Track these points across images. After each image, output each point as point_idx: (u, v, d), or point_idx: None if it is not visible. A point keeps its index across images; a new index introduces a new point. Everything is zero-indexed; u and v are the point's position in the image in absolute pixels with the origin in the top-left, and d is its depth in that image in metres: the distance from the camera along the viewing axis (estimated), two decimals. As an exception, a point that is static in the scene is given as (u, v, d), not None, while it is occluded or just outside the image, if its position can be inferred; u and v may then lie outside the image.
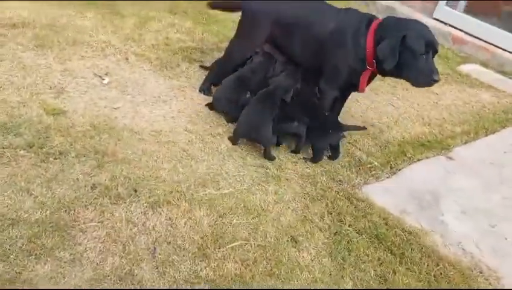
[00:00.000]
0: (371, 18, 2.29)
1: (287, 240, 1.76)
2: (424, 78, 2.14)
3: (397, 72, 2.19)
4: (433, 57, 2.17)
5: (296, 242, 1.76)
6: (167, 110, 2.46)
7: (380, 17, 2.35)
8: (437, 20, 5.38)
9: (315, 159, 2.33)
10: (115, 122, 2.21)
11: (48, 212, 1.60)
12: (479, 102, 3.86)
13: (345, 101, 2.64)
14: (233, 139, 2.30)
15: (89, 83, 2.50)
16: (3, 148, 1.84)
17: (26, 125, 2.01)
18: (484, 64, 4.82)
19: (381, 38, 2.14)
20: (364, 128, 2.61)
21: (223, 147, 2.26)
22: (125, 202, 1.74)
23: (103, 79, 2.56)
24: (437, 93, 3.76)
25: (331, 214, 1.96)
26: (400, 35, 2.08)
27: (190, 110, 2.51)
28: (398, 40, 2.07)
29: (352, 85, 2.41)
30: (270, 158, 2.25)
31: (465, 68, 4.55)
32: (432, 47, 2.13)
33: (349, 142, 2.66)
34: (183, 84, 2.78)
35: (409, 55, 2.09)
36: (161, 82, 2.74)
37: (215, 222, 1.77)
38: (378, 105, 3.08)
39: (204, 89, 2.72)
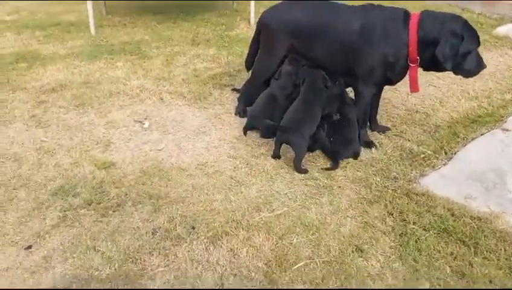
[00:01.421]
0: (406, 12, 2.26)
1: (352, 251, 1.72)
2: (474, 69, 2.23)
3: (450, 68, 2.20)
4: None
5: (361, 251, 1.72)
6: (208, 140, 2.50)
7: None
8: (462, -14, 5.15)
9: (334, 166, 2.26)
10: (162, 164, 2.27)
11: (117, 265, 1.66)
12: (525, 62, 3.65)
13: (380, 96, 2.58)
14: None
15: (131, 130, 2.59)
16: (65, 210, 1.93)
17: (82, 184, 2.11)
18: (523, 21, 4.56)
19: (428, 36, 2.17)
20: (388, 128, 2.61)
21: (268, 167, 2.26)
22: (186, 241, 1.77)
23: (143, 124, 2.65)
24: (478, 63, 3.58)
25: (392, 215, 1.90)
26: (458, 35, 2.13)
27: (230, 136, 2.54)
28: (458, 41, 2.13)
29: (389, 80, 2.36)
30: (299, 171, 2.20)
31: (502, 30, 4.32)
32: (479, 39, 2.22)
33: (395, 135, 2.58)
34: (218, 111, 2.82)
35: (465, 52, 2.16)
36: (198, 114, 2.79)
37: (276, 244, 1.76)
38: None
39: (240, 112, 2.75)
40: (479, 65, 2.21)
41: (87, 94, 2.97)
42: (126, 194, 2.04)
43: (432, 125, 2.67)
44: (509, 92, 3.07)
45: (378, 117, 2.67)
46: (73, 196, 2.03)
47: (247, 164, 2.29)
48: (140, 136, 2.54)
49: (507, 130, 2.51)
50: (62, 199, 2.01)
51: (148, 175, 2.17)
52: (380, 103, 2.65)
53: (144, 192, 2.05)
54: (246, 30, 4.29)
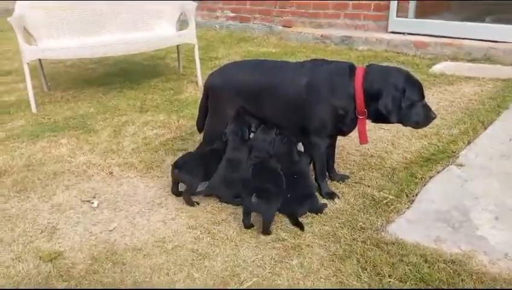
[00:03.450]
0: (351, 66, 2.32)
1: (331, 317, 1.60)
2: (423, 120, 2.26)
3: (396, 120, 2.25)
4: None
5: (340, 315, 1.60)
6: (165, 212, 2.36)
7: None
8: (394, 32, 5.50)
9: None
10: (115, 246, 2.09)
11: None
12: (464, 96, 3.84)
13: (335, 146, 2.58)
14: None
15: (79, 211, 2.40)
16: (6, 316, 1.70)
17: (26, 281, 1.88)
18: (453, 58, 4.88)
19: (373, 89, 2.21)
20: (347, 176, 2.58)
21: (232, 233, 2.14)
22: (148, 334, 1.58)
23: (92, 203, 2.47)
24: (421, 102, 3.72)
25: (366, 270, 1.81)
26: (400, 88, 2.17)
27: (188, 205, 2.41)
28: (400, 94, 2.16)
29: (341, 131, 2.38)
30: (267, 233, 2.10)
31: (437, 68, 4.58)
32: (423, 92, 2.26)
33: (355, 182, 2.56)
34: (173, 179, 2.69)
35: (409, 105, 2.19)
36: (151, 185, 2.65)
37: (249, 322, 1.61)
38: (369, 133, 2.97)
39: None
40: (428, 116, 2.25)
41: (29, 178, 2.76)
42: (76, 287, 1.83)
43: (388, 168, 2.68)
44: (455, 127, 3.17)
45: (335, 166, 2.65)
46: (15, 298, 1.79)
47: (208, 233, 2.15)
48: (89, 217, 2.35)
49: (461, 165, 2.55)
50: (2, 303, 1.77)
51: (99, 262, 1.97)
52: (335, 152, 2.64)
53: (96, 282, 1.85)
54: (195, 92, 4.28)
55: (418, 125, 2.31)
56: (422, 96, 2.25)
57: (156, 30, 4.53)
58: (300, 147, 2.52)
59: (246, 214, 2.16)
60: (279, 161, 2.37)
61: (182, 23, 4.81)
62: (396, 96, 2.17)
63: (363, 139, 2.34)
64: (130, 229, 2.22)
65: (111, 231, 2.22)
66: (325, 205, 2.30)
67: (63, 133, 3.42)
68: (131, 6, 4.46)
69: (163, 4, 4.58)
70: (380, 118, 2.28)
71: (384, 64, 4.82)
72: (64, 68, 5.43)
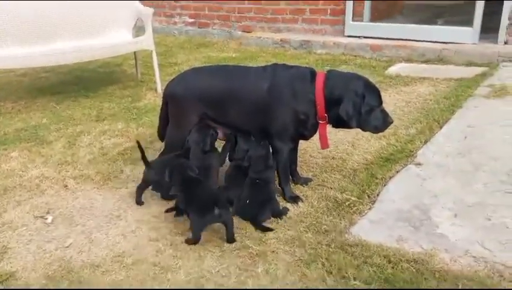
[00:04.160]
0: (312, 71, 2.33)
1: (298, 324, 1.57)
2: (381, 125, 2.30)
3: (356, 125, 2.27)
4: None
5: (307, 322, 1.58)
6: (124, 225, 2.26)
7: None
8: (351, 36, 5.61)
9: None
10: (71, 263, 1.98)
11: None
12: (420, 96, 3.95)
13: (297, 149, 2.57)
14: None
15: (32, 228, 2.26)
16: None
17: (-28, 307, 1.75)
18: (408, 60, 5.03)
19: (334, 95, 2.23)
20: (310, 179, 2.58)
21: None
22: None
23: (46, 219, 2.34)
24: (379, 104, 3.80)
25: (331, 273, 1.80)
26: (359, 94, 2.20)
27: (149, 216, 2.33)
28: (360, 100, 2.20)
29: (302, 135, 2.38)
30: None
31: (393, 70, 4.70)
32: (381, 97, 2.30)
33: (318, 185, 2.56)
34: (132, 190, 2.59)
35: (368, 110, 2.23)
36: (109, 196, 2.55)
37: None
38: (330, 135, 2.97)
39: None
40: (385, 121, 2.29)
41: (-24, 195, 2.59)
42: (77, 287, 1.72)
43: (349, 169, 2.70)
44: (412, 127, 3.25)
45: (298, 169, 2.65)
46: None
47: (171, 245, 2.08)
48: (43, 233, 2.22)
49: (420, 164, 2.61)
50: None
51: (55, 281, 1.86)
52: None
53: (51, 303, 1.74)
54: (154, 99, 4.18)
55: (376, 130, 2.34)
56: (381, 102, 2.29)
57: (111, 37, 4.39)
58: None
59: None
60: (254, 165, 2.32)
61: (139, 30, 4.70)
62: (356, 102, 2.20)
63: (324, 143, 2.35)
64: (87, 244, 2.12)
65: (67, 247, 2.10)
66: (287, 209, 2.28)
67: (13, 146, 3.24)
68: (84, 13, 4.30)
69: (118, 10, 4.45)
70: (340, 123, 2.30)
71: (343, 67, 4.92)
72: (15, 77, 5.18)
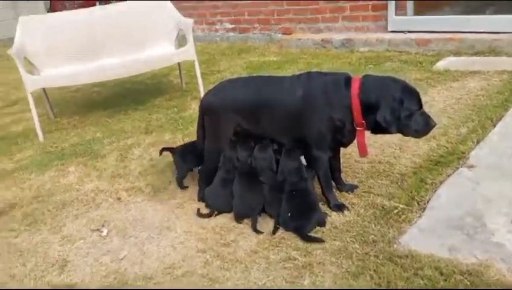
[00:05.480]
0: (347, 77, 2.29)
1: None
2: (423, 129, 2.22)
3: (395, 131, 2.21)
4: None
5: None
6: (173, 236, 2.34)
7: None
8: (394, 31, 5.45)
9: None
10: (125, 276, 2.08)
11: None
12: (470, 92, 3.77)
13: (339, 156, 2.54)
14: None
15: (89, 241, 2.40)
16: None
17: (38, 319, 1.88)
18: (457, 53, 4.80)
19: (370, 100, 2.18)
20: (356, 186, 2.54)
21: (241, 254, 2.11)
22: None
23: (101, 231, 2.47)
24: (426, 102, 3.65)
25: (380, 286, 1.77)
26: (397, 98, 2.14)
27: (196, 226, 2.39)
28: (398, 104, 2.13)
29: (341, 143, 2.34)
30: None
31: (441, 64, 4.51)
32: (420, 100, 2.21)
33: (364, 191, 2.51)
34: (180, 201, 2.68)
35: (407, 115, 2.16)
36: (159, 208, 2.64)
37: None
38: (375, 138, 2.91)
39: (202, 197, 2.62)
40: (428, 124, 2.21)
41: (39, 209, 2.77)
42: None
43: (397, 174, 2.63)
44: (463, 125, 3.11)
45: (342, 175, 2.62)
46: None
47: (217, 256, 2.13)
48: (99, 246, 2.34)
49: (472, 166, 2.49)
50: None
51: (111, 294, 1.96)
52: (342, 160, 2.60)
53: (108, 315, 1.84)
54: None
55: (418, 134, 2.27)
56: (420, 105, 2.22)
57: (155, 49, 4.55)
58: (303, 160, 2.48)
59: None
60: (288, 177, 2.34)
61: (182, 39, 4.82)
62: (394, 107, 2.14)
63: (362, 151, 2.30)
64: (139, 257, 2.21)
65: (121, 259, 2.21)
66: (326, 214, 2.29)
67: (70, 161, 3.44)
68: (128, 29, 4.48)
69: (160, 23, 4.60)
70: (379, 129, 2.24)
71: (387, 64, 4.79)
72: (69, 93, 5.49)
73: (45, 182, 3.15)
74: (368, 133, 2.33)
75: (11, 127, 4.48)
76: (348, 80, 2.26)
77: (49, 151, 3.70)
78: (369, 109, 2.18)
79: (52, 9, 9.85)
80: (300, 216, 2.20)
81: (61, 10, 9.50)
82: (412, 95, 2.19)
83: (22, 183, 3.17)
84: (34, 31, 4.27)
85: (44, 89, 4.39)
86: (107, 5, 5.28)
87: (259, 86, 2.48)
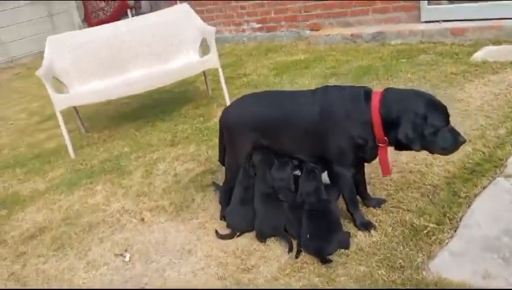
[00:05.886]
0: (366, 91, 2.15)
1: None
2: (451, 147, 2.05)
3: (419, 148, 2.06)
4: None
5: None
6: (194, 261, 2.31)
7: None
8: (428, 22, 5.16)
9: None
10: (146, 305, 2.06)
11: None
12: (511, 86, 3.48)
13: (364, 170, 2.40)
14: None
15: (112, 267, 2.41)
16: None
17: None
18: (496, 42, 4.46)
19: (391, 116, 2.03)
20: (384, 200, 2.41)
21: (261, 281, 2.05)
22: None
23: (124, 256, 2.47)
24: (462, 99, 3.43)
25: (404, 321, 1.65)
26: (420, 114, 1.98)
27: (217, 250, 2.34)
28: (421, 121, 1.98)
29: (363, 159, 2.21)
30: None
31: (479, 55, 4.21)
32: (448, 115, 2.05)
33: (393, 207, 2.37)
34: (202, 220, 2.64)
35: (432, 131, 2.00)
36: (181, 228, 2.62)
37: None
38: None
39: (224, 215, 2.57)
40: (456, 141, 2.04)
41: (67, 233, 2.82)
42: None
43: (428, 186, 2.45)
44: (502, 126, 2.87)
45: (369, 187, 2.48)
46: None
47: (237, 284, 2.07)
48: (122, 273, 2.34)
49: (510, 176, 2.28)
50: None
51: (130, 326, 1.95)
52: (369, 170, 2.47)
53: None
54: (224, 117, 4.22)
55: (445, 151, 2.10)
56: (448, 121, 2.05)
57: (179, 60, 4.53)
58: (325, 176, 2.37)
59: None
60: (306, 199, 2.24)
61: (206, 47, 4.78)
62: (416, 124, 1.98)
63: (385, 169, 2.17)
64: (160, 284, 2.19)
65: (143, 287, 2.19)
66: (349, 234, 2.19)
67: (98, 179, 3.49)
68: (152, 42, 4.50)
69: (183, 33, 4.58)
70: (402, 145, 2.09)
71: (421, 57, 4.53)
72: (101, 106, 5.56)
73: (74, 203, 3.20)
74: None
75: (45, 144, 4.61)
76: (367, 94, 2.12)
77: (79, 169, 3.77)
78: (390, 124, 2.04)
79: (86, 19, 10.10)
80: (319, 238, 2.10)
81: (94, 20, 9.75)
82: (437, 109, 2.03)
83: (52, 205, 3.25)
84: (62, 49, 4.36)
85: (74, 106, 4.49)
86: (131, 19, 5.33)
87: (276, 102, 2.40)
